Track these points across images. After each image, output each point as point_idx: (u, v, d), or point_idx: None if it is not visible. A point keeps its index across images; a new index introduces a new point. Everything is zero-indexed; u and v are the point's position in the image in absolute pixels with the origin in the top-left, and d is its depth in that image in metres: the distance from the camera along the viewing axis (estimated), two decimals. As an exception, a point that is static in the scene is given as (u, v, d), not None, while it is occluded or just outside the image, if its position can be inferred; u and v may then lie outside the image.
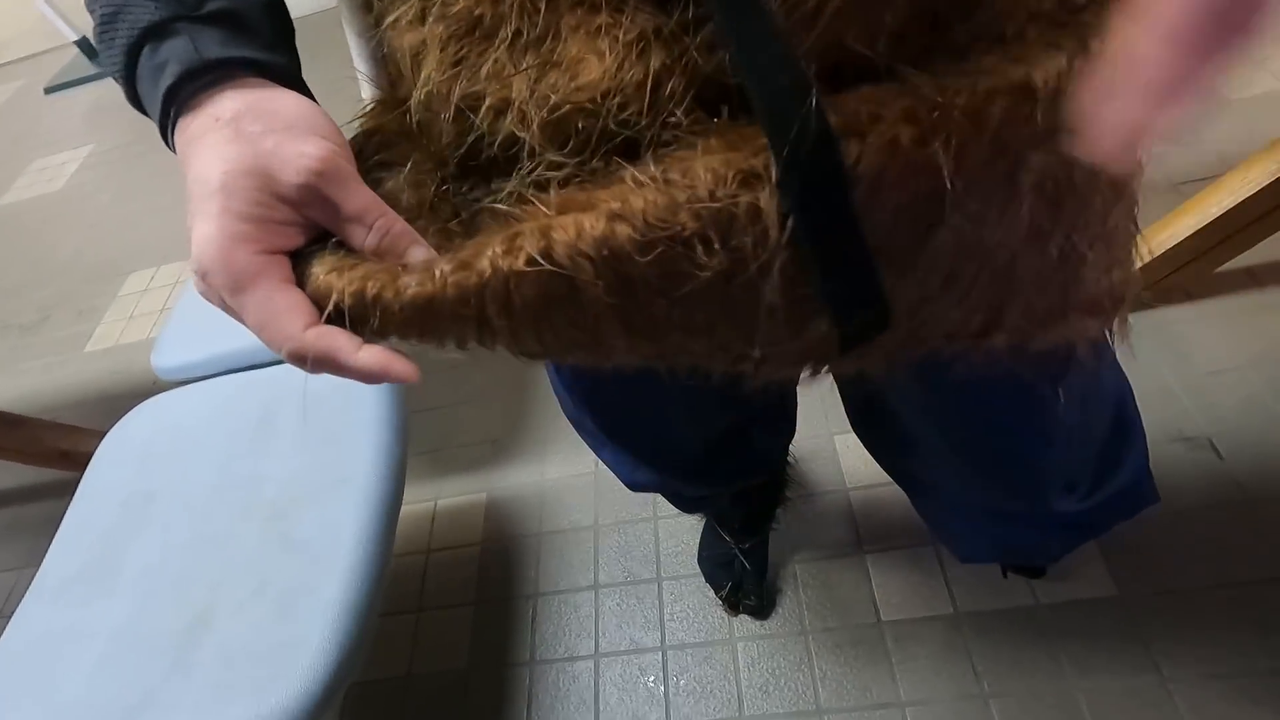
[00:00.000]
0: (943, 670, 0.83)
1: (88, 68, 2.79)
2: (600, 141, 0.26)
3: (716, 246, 0.25)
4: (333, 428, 0.79)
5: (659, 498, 1.05)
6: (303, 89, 0.30)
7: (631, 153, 0.27)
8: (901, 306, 0.29)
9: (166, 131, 0.28)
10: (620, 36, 0.25)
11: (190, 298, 1.03)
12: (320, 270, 0.28)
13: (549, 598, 1.00)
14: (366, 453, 0.75)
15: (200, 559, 0.72)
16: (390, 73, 0.34)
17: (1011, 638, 0.83)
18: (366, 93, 0.37)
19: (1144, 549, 0.86)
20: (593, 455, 1.12)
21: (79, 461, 1.23)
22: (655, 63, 0.25)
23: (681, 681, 0.89)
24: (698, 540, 0.99)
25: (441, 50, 0.28)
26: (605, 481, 1.10)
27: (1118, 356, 0.49)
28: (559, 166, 0.27)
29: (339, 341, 0.27)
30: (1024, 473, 0.51)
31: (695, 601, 0.95)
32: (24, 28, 3.46)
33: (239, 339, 0.92)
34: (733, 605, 0.92)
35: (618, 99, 0.26)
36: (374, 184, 0.30)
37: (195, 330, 0.97)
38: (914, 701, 0.81)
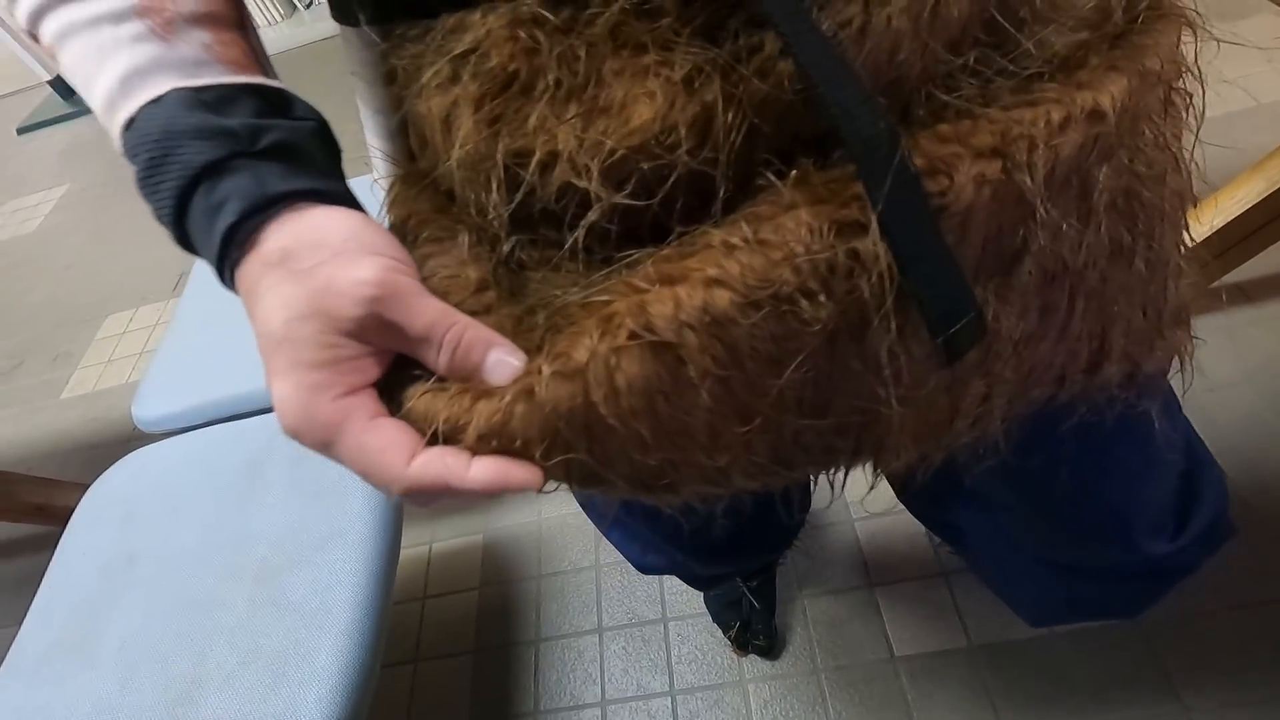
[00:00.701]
0: (960, 707, 0.80)
1: (62, 107, 2.76)
2: (659, 181, 0.25)
3: (822, 299, 0.24)
4: (324, 479, 0.76)
5: (661, 534, 1.03)
6: (355, 205, 0.28)
7: (698, 190, 0.26)
8: (1005, 342, 0.29)
9: (223, 273, 0.27)
10: (671, 75, 0.24)
11: (171, 342, 1.00)
12: (411, 399, 0.26)
13: (551, 643, 0.97)
14: (360, 505, 0.72)
15: (186, 626, 0.69)
16: (411, 144, 0.32)
17: (1028, 670, 0.81)
18: (380, 169, 0.35)
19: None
20: (591, 493, 1.10)
21: (56, 516, 1.19)
22: (709, 96, 0.24)
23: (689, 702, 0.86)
24: (703, 578, 0.96)
25: (476, 110, 0.26)
26: (604, 519, 1.07)
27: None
28: (626, 215, 0.26)
29: (447, 465, 0.24)
30: (1112, 519, 0.47)
31: (703, 642, 0.92)
32: (-5, 67, 3.43)
33: (223, 387, 0.90)
34: (741, 645, 0.89)
35: (672, 137, 0.25)
36: (430, 271, 0.28)
37: (177, 378, 0.94)
38: (933, 740, 0.79)
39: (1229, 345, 1.00)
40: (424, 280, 0.27)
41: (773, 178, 0.25)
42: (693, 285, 0.23)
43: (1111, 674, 0.79)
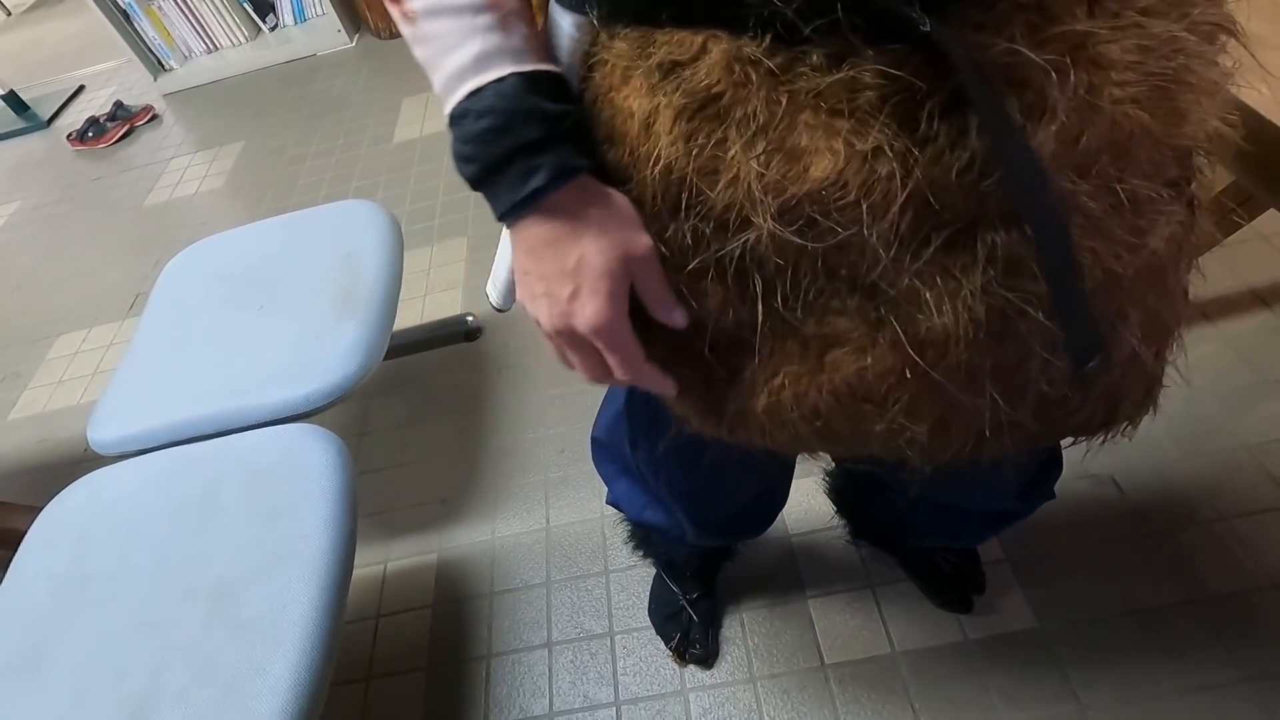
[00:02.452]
0: (883, 710, 0.86)
1: (14, 122, 2.71)
2: (823, 229, 0.31)
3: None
4: (278, 501, 0.79)
5: (610, 551, 1.07)
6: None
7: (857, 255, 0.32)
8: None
9: (509, 215, 0.36)
10: (857, 145, 0.29)
11: (128, 366, 1.02)
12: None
13: (503, 658, 1.00)
14: (313, 526, 0.76)
15: (140, 645, 0.71)
16: (597, 131, 0.37)
17: (944, 673, 0.87)
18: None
19: (1059, 581, 0.92)
20: (544, 510, 1.15)
21: (3, 540, 1.18)
22: (883, 170, 0.29)
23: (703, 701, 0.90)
24: (648, 590, 1.01)
25: (674, 124, 0.32)
26: (556, 537, 1.11)
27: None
28: (785, 245, 0.32)
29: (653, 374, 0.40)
30: (1003, 483, 0.60)
31: (647, 654, 0.97)
32: (-58, 79, 3.35)
33: (179, 411, 0.92)
34: (681, 656, 0.94)
35: (839, 196, 0.29)
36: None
37: (133, 401, 0.96)
38: (858, 742, 0.85)
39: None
40: None
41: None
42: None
43: (1018, 677, 0.86)
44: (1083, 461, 1.00)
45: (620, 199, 0.36)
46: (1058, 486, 0.98)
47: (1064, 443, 0.47)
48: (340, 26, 2.58)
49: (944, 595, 0.92)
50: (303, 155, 2.15)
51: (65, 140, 2.54)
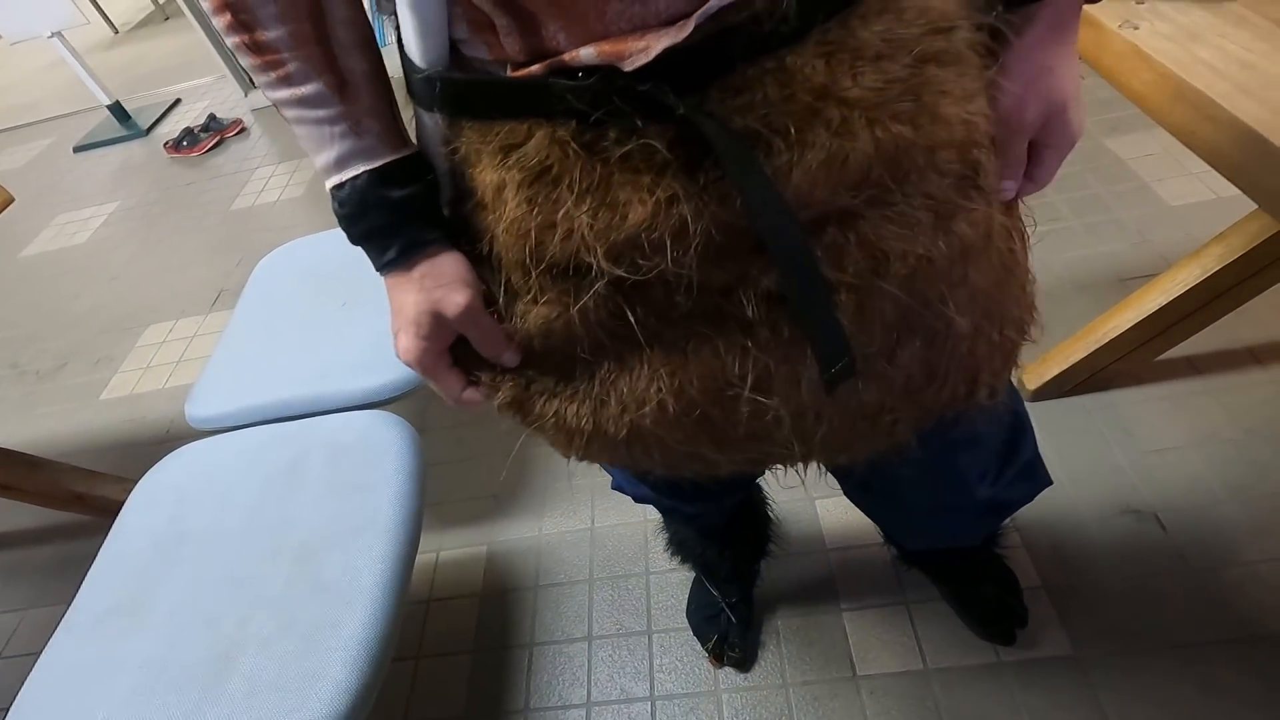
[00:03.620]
0: (913, 724, 0.88)
1: (117, 130, 2.95)
2: (642, 266, 0.39)
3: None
4: (357, 477, 0.86)
5: (651, 554, 1.12)
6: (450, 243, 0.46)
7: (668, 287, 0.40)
8: (897, 388, 0.44)
9: (379, 270, 0.46)
10: (660, 194, 0.36)
11: (223, 351, 1.11)
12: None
13: (544, 648, 1.05)
14: (388, 501, 0.82)
15: (230, 597, 0.78)
16: (457, 192, 0.45)
17: (976, 693, 0.89)
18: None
19: (1098, 612, 0.93)
20: (589, 511, 1.20)
21: (95, 505, 1.29)
22: (684, 210, 0.37)
23: (670, 708, 0.94)
24: (687, 595, 1.05)
25: (518, 191, 0.39)
26: (600, 537, 1.16)
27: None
28: (616, 277, 0.39)
29: (469, 395, 0.49)
30: (958, 474, 0.65)
31: (683, 654, 1.01)
32: (55, 89, 3.66)
33: (269, 393, 1.01)
34: (718, 657, 0.97)
35: (655, 234, 0.37)
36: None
37: (227, 383, 1.05)
38: (887, 754, 0.87)
39: (1175, 412, 1.10)
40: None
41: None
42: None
43: (1050, 702, 0.87)
44: (1126, 497, 1.02)
45: (449, 265, 0.44)
46: (1099, 519, 1.01)
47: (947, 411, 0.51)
48: (418, 52, 2.74)
49: (986, 627, 0.93)
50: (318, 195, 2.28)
51: (162, 148, 2.75)
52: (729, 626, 0.97)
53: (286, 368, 1.04)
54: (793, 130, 0.35)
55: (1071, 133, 0.44)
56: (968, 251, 0.41)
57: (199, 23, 2.74)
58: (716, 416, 0.45)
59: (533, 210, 0.39)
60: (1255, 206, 0.77)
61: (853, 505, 1.06)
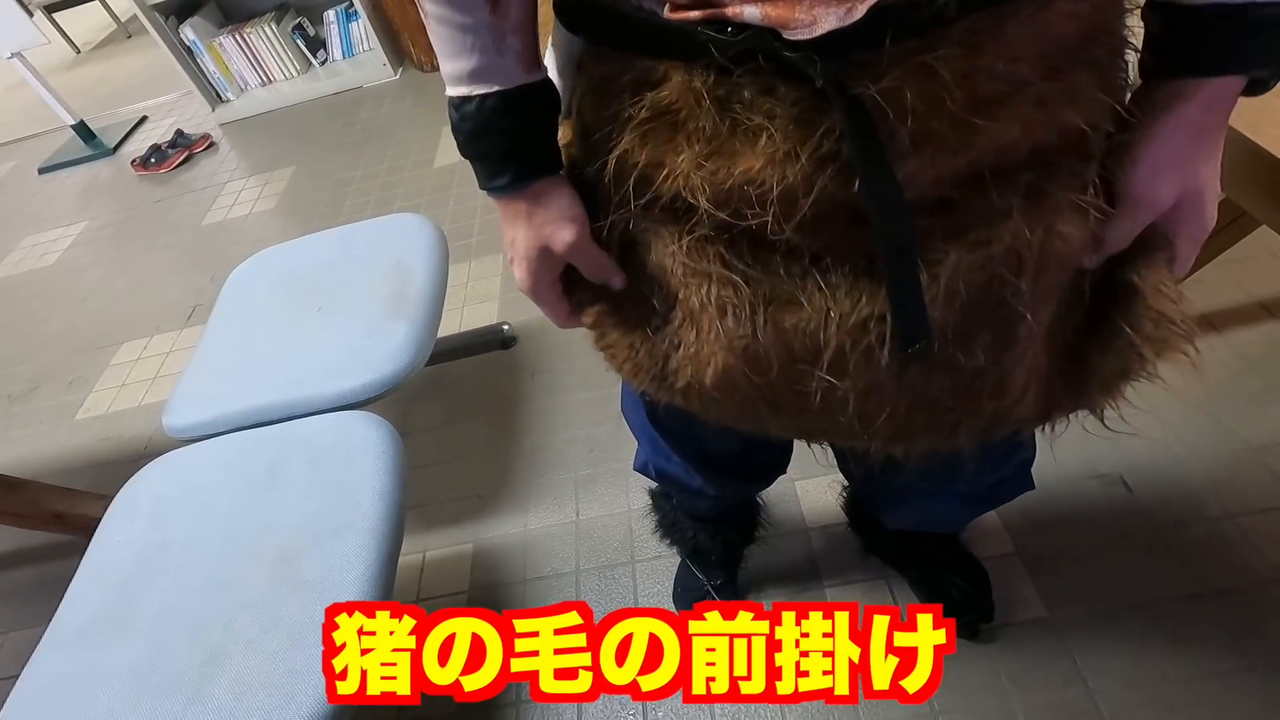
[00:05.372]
0: (897, 692, 0.90)
1: (83, 149, 2.91)
2: (746, 210, 0.40)
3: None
4: (336, 478, 0.86)
5: (636, 543, 1.13)
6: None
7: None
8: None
9: (486, 190, 0.47)
10: (776, 153, 0.37)
11: (199, 360, 1.11)
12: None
13: (533, 641, 1.06)
14: (369, 500, 0.83)
15: (213, 602, 0.78)
16: (578, 121, 0.48)
17: (956, 659, 0.91)
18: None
19: (1070, 574, 0.96)
20: (574, 504, 1.21)
21: (74, 524, 1.28)
22: (796, 172, 0.37)
23: (659, 713, 0.95)
24: (672, 580, 1.06)
25: (636, 126, 0.41)
26: (585, 530, 1.17)
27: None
28: (716, 220, 0.41)
29: (574, 320, 0.53)
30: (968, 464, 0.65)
31: (670, 639, 1.02)
32: (18, 110, 3.60)
33: (246, 399, 1.01)
34: (705, 640, 0.99)
35: (763, 189, 0.38)
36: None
37: (204, 391, 1.05)
38: (872, 723, 0.89)
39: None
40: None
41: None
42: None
43: (1028, 662, 0.89)
44: (1092, 462, 1.05)
45: (558, 200, 0.46)
46: (1067, 484, 1.03)
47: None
48: (385, 61, 2.75)
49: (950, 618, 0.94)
50: (349, 179, 2.28)
51: (129, 166, 2.72)
52: (714, 608, 0.99)
53: (263, 374, 1.04)
54: (919, 117, 0.35)
55: (1204, 222, 0.42)
56: (1049, 259, 0.41)
57: (163, 40, 2.72)
58: (782, 389, 0.46)
59: (644, 145, 0.41)
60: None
61: (831, 486, 1.09)
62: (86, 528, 1.14)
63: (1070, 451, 1.07)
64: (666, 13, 0.37)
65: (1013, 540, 1.00)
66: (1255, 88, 0.38)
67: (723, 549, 0.98)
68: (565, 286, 0.51)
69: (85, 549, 0.89)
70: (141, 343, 1.86)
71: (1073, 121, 0.38)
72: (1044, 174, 0.39)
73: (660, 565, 1.10)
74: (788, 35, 0.34)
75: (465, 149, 0.46)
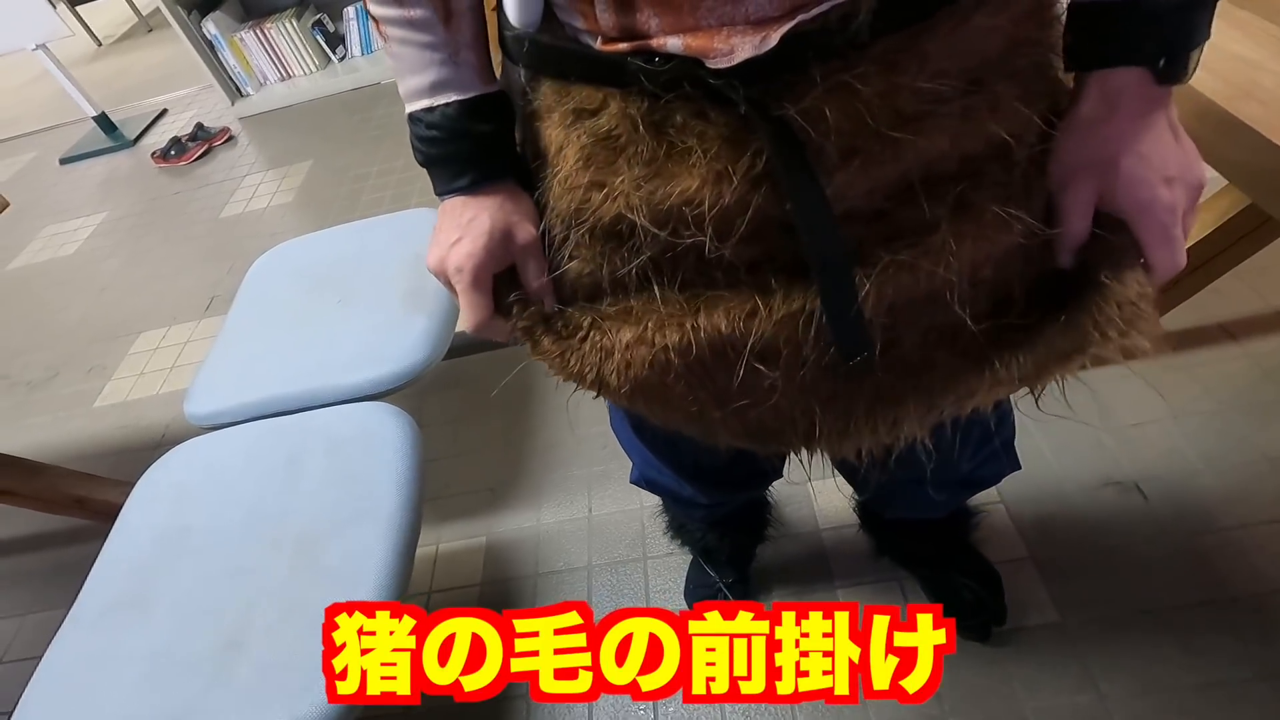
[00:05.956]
0: (907, 693, 0.90)
1: (104, 141, 2.94)
2: (684, 231, 0.42)
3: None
4: (355, 467, 0.87)
5: (648, 540, 1.14)
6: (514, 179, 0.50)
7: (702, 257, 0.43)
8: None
9: (443, 194, 0.49)
10: (709, 173, 0.40)
11: (219, 349, 1.13)
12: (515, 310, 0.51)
13: (544, 634, 1.06)
14: (387, 490, 0.84)
15: (234, 586, 0.79)
16: (525, 147, 0.49)
17: (967, 661, 0.91)
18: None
19: (1083, 581, 0.96)
20: (586, 500, 1.22)
21: (94, 509, 1.30)
22: (729, 192, 0.40)
23: (670, 709, 0.95)
24: (684, 577, 1.07)
25: (578, 152, 0.43)
26: (598, 526, 1.18)
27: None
28: (656, 241, 0.43)
29: (496, 326, 0.51)
30: (950, 448, 0.65)
31: (681, 635, 1.02)
32: (40, 102, 3.65)
33: (266, 389, 1.02)
34: (715, 637, 0.99)
35: (699, 209, 0.40)
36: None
37: (225, 380, 1.06)
38: (882, 723, 0.89)
39: (1152, 387, 1.13)
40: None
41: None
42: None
43: (1039, 667, 0.89)
44: (1107, 469, 1.05)
45: (522, 200, 0.48)
46: (1082, 490, 1.03)
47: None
48: (404, 58, 2.76)
49: (963, 622, 0.93)
50: (366, 174, 2.30)
51: (149, 158, 2.75)
52: (725, 606, 0.99)
53: (283, 364, 1.06)
54: (843, 134, 0.37)
55: (1154, 211, 0.41)
56: (980, 263, 0.42)
57: (184, 34, 2.75)
58: (718, 374, 0.46)
59: (587, 169, 0.42)
60: (1225, 183, 0.79)
61: (844, 487, 1.09)
62: (106, 513, 1.16)
63: (1086, 460, 1.07)
64: (599, 45, 0.40)
65: (1026, 545, 1.00)
66: (1167, 76, 0.39)
67: (732, 549, 0.98)
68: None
69: (105, 534, 0.90)
70: (159, 332, 1.88)
71: (995, 132, 0.39)
72: (973, 184, 0.41)
73: (672, 562, 1.10)
74: (709, 64, 0.37)
75: (427, 156, 0.47)
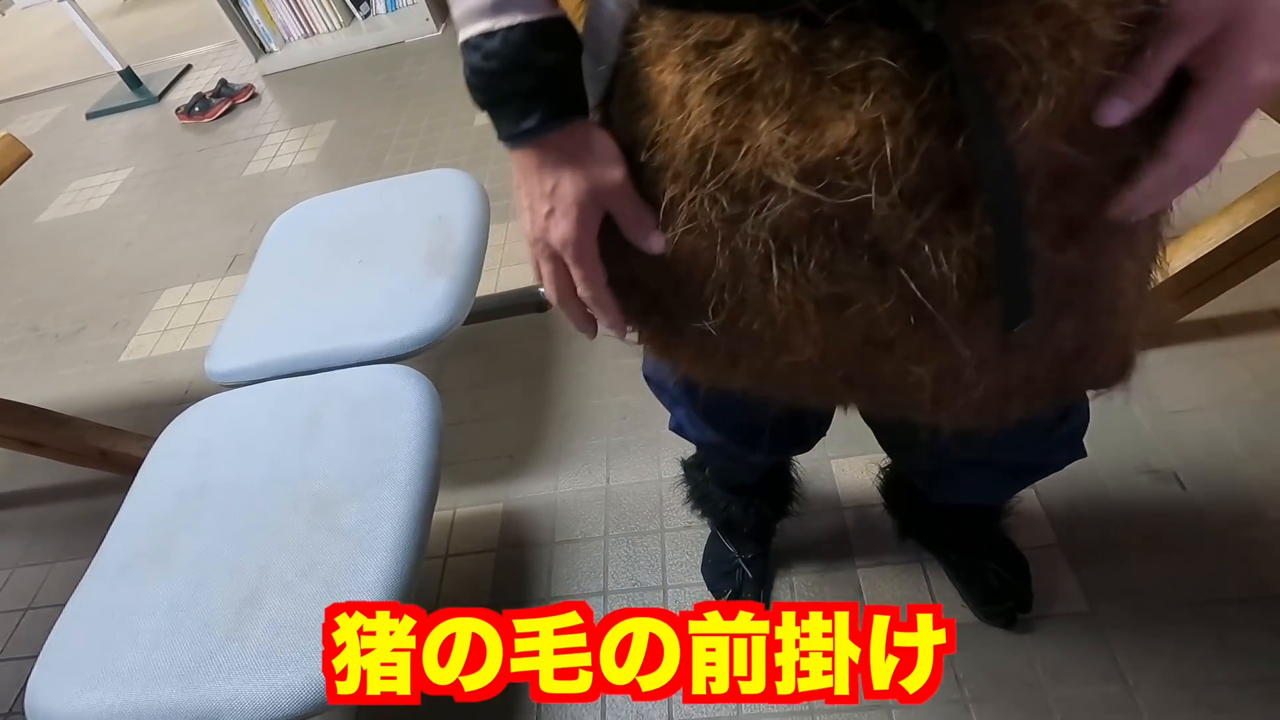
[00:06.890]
0: (927, 676, 0.89)
1: (129, 96, 2.94)
2: (839, 189, 0.35)
3: None
4: (374, 429, 0.86)
5: (666, 512, 1.13)
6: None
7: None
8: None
9: (509, 140, 0.42)
10: (869, 116, 0.32)
11: (241, 308, 1.12)
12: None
13: (561, 601, 1.06)
14: (406, 453, 0.83)
15: (252, 544, 0.79)
16: (622, 101, 0.42)
17: (992, 648, 0.89)
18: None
19: (1113, 569, 0.93)
20: (604, 470, 1.21)
21: (117, 462, 1.31)
22: (890, 137, 0.32)
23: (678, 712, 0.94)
24: (701, 551, 1.05)
25: (704, 98, 0.35)
26: (616, 496, 1.17)
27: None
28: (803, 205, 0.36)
29: (607, 301, 0.47)
30: (1020, 432, 0.60)
31: (697, 609, 1.01)
32: (67, 56, 3.65)
33: (286, 348, 1.01)
34: (732, 612, 0.98)
35: (857, 159, 0.33)
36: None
37: (246, 338, 1.06)
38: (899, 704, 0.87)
39: (1197, 373, 1.09)
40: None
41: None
42: None
43: (1066, 656, 0.87)
44: (1145, 456, 1.01)
45: (600, 139, 0.42)
46: (1117, 478, 1.00)
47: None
48: (429, 15, 2.71)
49: (988, 607, 0.91)
50: (389, 134, 2.27)
51: (174, 114, 2.74)
52: (744, 582, 0.98)
53: (304, 324, 1.04)
54: (1034, 63, 0.31)
55: (1249, 76, 0.33)
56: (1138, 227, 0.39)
57: (209, -13, 2.71)
58: (856, 372, 0.44)
59: (718, 121, 0.35)
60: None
61: (868, 466, 1.07)
62: (129, 466, 1.17)
63: (1122, 445, 1.04)
64: None
65: (1055, 531, 0.97)
66: None
67: (755, 521, 0.96)
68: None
69: (127, 487, 0.91)
70: (183, 289, 1.89)
71: None
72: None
73: (690, 535, 1.09)
74: None
75: (487, 92, 0.41)
